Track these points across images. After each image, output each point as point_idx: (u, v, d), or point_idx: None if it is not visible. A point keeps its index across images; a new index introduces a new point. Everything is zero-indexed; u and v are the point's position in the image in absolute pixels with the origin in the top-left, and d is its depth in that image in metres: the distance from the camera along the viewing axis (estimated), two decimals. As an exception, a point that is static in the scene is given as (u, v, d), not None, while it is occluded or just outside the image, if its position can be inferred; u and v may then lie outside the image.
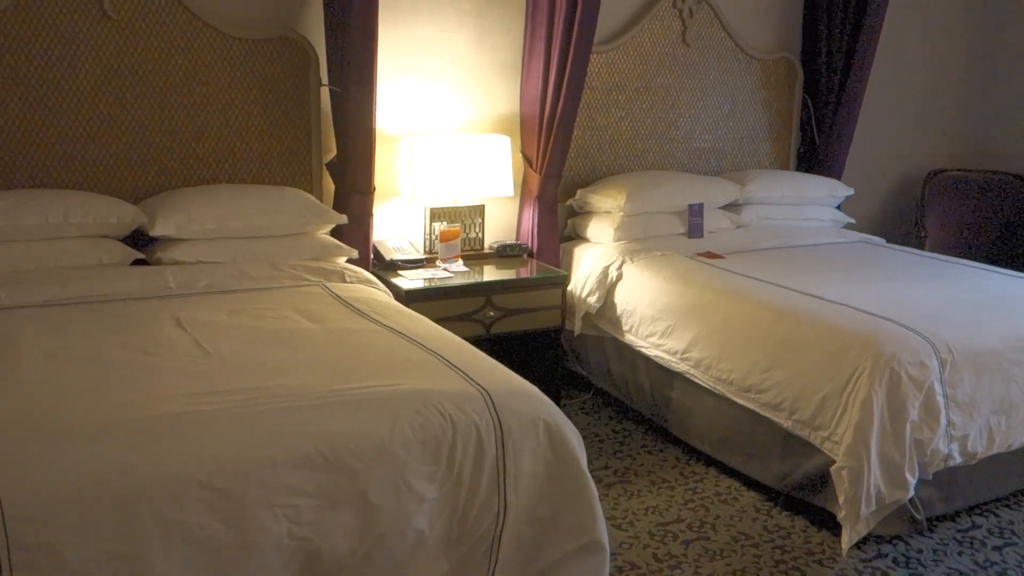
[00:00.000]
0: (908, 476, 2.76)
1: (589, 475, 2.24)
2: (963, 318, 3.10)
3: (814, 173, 4.89)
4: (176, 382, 2.17)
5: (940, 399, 2.82)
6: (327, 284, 3.18)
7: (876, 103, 5.13)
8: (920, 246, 4.97)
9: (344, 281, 3.25)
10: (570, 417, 3.86)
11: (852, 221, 4.77)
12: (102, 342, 2.45)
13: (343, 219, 3.54)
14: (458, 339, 2.66)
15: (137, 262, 3.24)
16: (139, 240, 3.30)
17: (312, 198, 3.50)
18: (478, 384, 2.22)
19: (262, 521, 1.85)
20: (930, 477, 2.87)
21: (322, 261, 3.37)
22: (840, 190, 4.71)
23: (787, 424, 3.00)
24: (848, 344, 2.88)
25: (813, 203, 4.65)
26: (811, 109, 4.93)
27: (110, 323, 2.64)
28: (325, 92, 3.71)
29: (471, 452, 2.09)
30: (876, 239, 4.52)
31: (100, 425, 1.90)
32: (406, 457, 2.02)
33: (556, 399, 3.94)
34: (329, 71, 3.63)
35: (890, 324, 2.95)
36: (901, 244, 4.75)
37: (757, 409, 3.12)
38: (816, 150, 4.95)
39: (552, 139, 3.97)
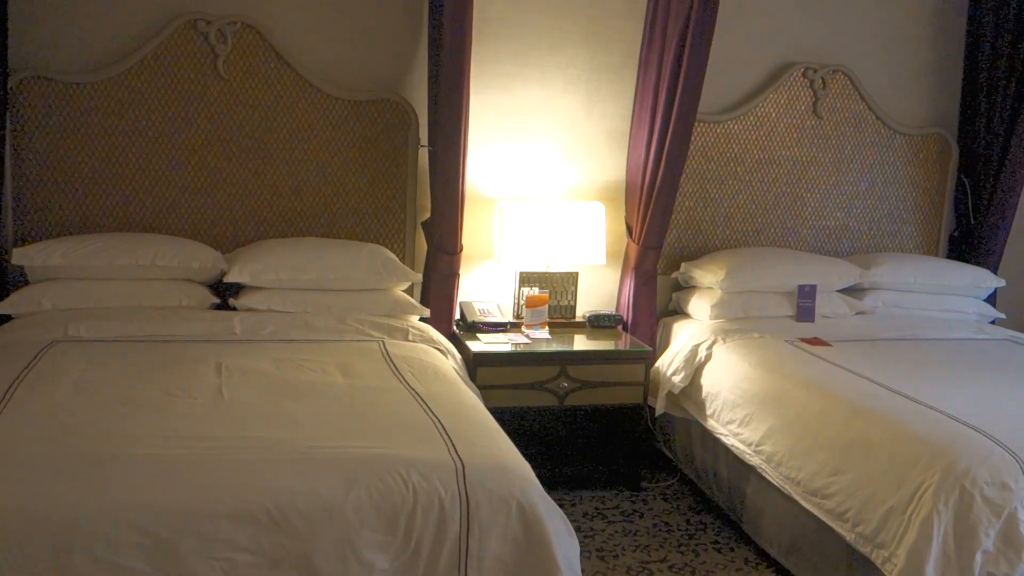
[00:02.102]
0: (976, 615, 2.37)
1: (570, 569, 2.08)
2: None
3: (968, 260, 4.42)
4: (168, 424, 2.24)
5: (1027, 529, 2.41)
6: (386, 341, 3.19)
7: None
8: (1092, 350, 4.34)
9: (406, 339, 3.26)
10: (648, 502, 3.71)
11: (1002, 316, 4.26)
12: (135, 380, 2.58)
13: (417, 277, 3.58)
14: (477, 409, 2.59)
15: (223, 307, 3.42)
16: (229, 286, 3.47)
17: (391, 255, 3.56)
18: (458, 454, 2.14)
19: (196, 571, 1.85)
20: (1012, 620, 2.44)
21: (392, 318, 3.40)
22: (989, 280, 4.23)
23: (850, 537, 2.67)
24: (919, 453, 2.54)
25: (954, 293, 4.20)
26: (968, 191, 4.49)
27: (158, 362, 2.77)
28: (424, 153, 3.79)
29: (432, 526, 2.00)
30: (1026, 337, 4.00)
31: (62, 459, 1.98)
32: (357, 523, 1.96)
33: (635, 480, 3.76)
34: (429, 132, 3.71)
35: (975, 434, 2.57)
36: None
37: (821, 516, 2.80)
38: (972, 235, 4.48)
39: (651, 210, 3.83)
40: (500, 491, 2.06)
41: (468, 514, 2.02)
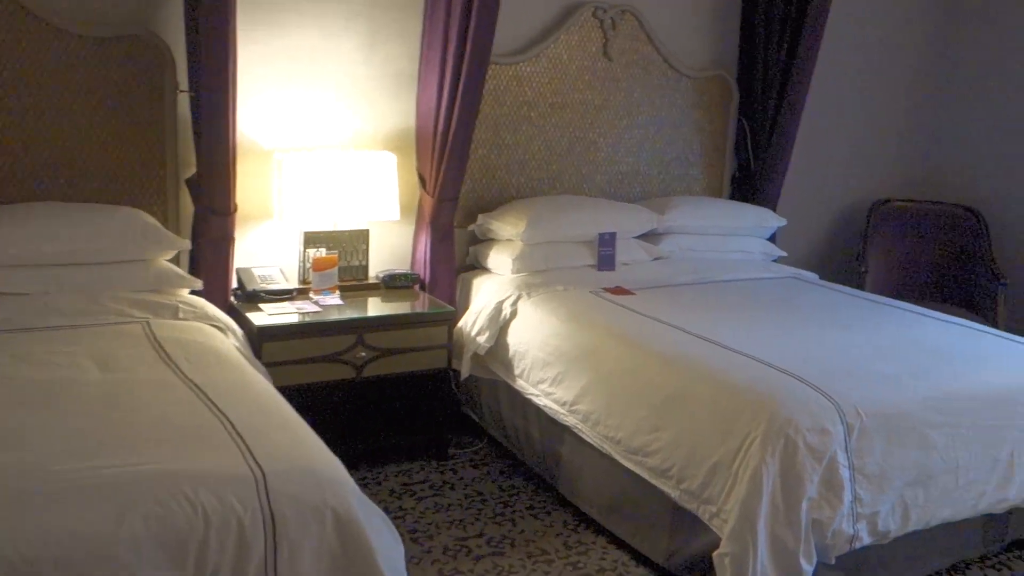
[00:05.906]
0: (803, 563, 2.35)
1: (396, 576, 1.82)
2: (880, 374, 2.70)
3: (749, 201, 4.51)
4: None
5: (844, 471, 2.41)
6: (152, 321, 2.74)
7: (818, 128, 4.76)
8: (860, 282, 4.59)
9: (176, 318, 2.82)
10: (457, 471, 3.50)
11: (784, 254, 4.39)
12: None
13: (185, 244, 3.12)
14: (272, 397, 2.25)
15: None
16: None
17: (150, 220, 3.07)
18: (256, 461, 1.80)
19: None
20: (833, 562, 2.45)
21: (158, 293, 2.93)
22: (771, 220, 4.34)
23: (674, 494, 2.60)
24: (741, 404, 2.48)
25: (741, 234, 4.27)
26: (748, 132, 4.56)
27: None
28: (185, 99, 3.29)
29: (230, 551, 1.67)
30: (808, 275, 4.14)
31: None
32: (134, 562, 1.59)
33: (442, 449, 3.54)
34: (189, 76, 3.22)
35: (792, 381, 2.55)
36: (841, 280, 4.37)
37: (644, 474, 2.71)
38: (752, 177, 4.58)
39: (446, 160, 3.56)
40: (310, 500, 1.76)
41: (274, 532, 1.71)
